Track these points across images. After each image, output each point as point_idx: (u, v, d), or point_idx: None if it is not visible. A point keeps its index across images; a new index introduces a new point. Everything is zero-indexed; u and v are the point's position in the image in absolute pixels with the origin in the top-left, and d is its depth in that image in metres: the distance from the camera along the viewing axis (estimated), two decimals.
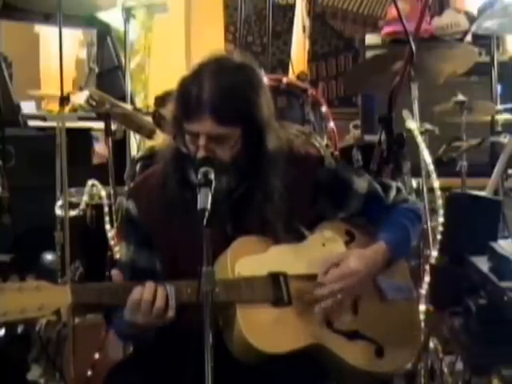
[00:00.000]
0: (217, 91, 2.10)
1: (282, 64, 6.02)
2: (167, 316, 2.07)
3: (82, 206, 3.65)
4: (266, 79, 2.27)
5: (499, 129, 4.33)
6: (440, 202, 3.13)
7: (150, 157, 3.32)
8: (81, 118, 4.61)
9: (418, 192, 3.42)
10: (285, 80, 3.79)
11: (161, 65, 5.70)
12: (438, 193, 3.16)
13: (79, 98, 3.86)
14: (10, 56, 5.21)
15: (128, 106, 3.78)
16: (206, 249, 1.93)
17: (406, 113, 3.22)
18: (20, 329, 3.61)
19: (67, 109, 3.95)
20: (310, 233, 2.31)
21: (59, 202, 3.65)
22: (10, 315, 1.96)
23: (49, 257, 4.10)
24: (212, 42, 6.05)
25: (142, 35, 5.61)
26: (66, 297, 2.03)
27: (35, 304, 1.98)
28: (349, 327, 2.24)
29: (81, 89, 5.10)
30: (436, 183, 3.18)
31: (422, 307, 2.85)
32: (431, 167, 3.18)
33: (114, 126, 3.57)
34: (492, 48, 4.69)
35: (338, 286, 2.20)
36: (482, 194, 3.07)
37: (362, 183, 2.37)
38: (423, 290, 2.94)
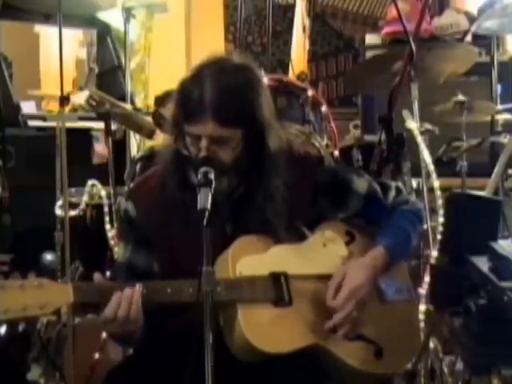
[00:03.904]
0: (218, 93, 2.10)
1: (281, 64, 6.01)
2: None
3: (82, 206, 3.65)
4: (265, 79, 2.27)
5: (499, 129, 4.33)
6: (440, 201, 3.13)
7: (150, 157, 3.33)
8: (81, 118, 4.61)
9: (418, 192, 3.42)
10: (285, 80, 3.79)
11: (161, 65, 5.69)
12: (438, 193, 3.16)
13: (79, 98, 3.87)
14: (9, 56, 5.22)
15: (128, 106, 3.77)
16: (206, 249, 1.93)
17: (405, 113, 3.22)
18: (21, 327, 3.61)
19: (67, 109, 3.95)
20: (311, 233, 2.31)
21: (59, 202, 3.65)
22: (11, 313, 1.96)
23: (49, 257, 4.10)
24: (212, 42, 6.05)
25: (142, 35, 5.60)
26: (68, 295, 2.03)
27: (37, 302, 1.98)
28: None
29: (81, 89, 5.12)
30: (436, 183, 3.18)
31: (422, 307, 2.85)
32: (431, 167, 3.18)
33: (113, 126, 3.57)
34: (492, 48, 4.68)
35: (350, 305, 2.19)
36: (482, 193, 3.06)
37: (361, 183, 2.36)
38: (423, 290, 2.95)
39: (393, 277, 2.35)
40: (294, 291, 2.19)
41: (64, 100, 3.59)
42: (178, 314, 2.16)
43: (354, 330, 2.21)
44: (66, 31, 4.46)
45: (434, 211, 3.19)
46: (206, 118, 2.09)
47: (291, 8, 6.14)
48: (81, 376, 3.33)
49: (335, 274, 2.24)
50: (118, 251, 2.36)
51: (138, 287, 2.07)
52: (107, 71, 5.24)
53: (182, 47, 6.09)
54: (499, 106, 4.38)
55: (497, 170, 3.37)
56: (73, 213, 3.61)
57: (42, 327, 3.71)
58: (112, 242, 3.37)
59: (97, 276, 2.10)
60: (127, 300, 2.05)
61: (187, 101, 2.14)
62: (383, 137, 3.00)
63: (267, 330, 2.11)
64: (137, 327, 2.09)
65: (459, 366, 3.18)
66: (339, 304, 2.19)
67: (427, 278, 2.98)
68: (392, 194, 2.40)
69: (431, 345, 3.11)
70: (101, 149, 4.52)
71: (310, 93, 3.73)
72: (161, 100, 3.37)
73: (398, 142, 3.06)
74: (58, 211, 3.65)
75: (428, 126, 3.46)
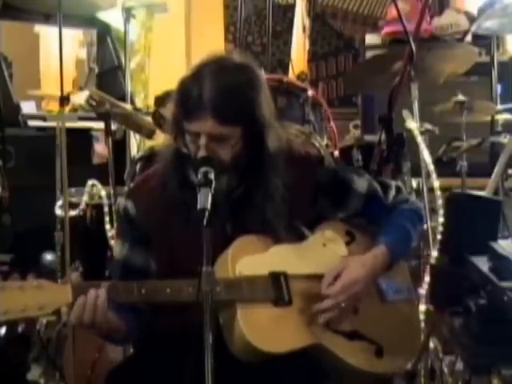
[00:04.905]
0: (218, 91, 2.10)
1: (281, 64, 6.01)
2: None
3: (82, 206, 3.65)
4: (265, 79, 2.27)
5: (499, 129, 4.33)
6: (440, 201, 3.13)
7: (149, 157, 3.33)
8: (81, 118, 4.61)
9: (418, 192, 3.42)
10: (285, 80, 3.79)
11: (161, 65, 5.70)
12: (438, 193, 3.16)
13: (79, 98, 3.86)
14: (9, 56, 5.22)
15: (128, 106, 3.77)
16: (206, 249, 1.93)
17: (405, 113, 3.22)
18: (21, 328, 3.61)
19: (67, 109, 3.95)
20: (311, 233, 2.32)
21: (59, 202, 3.65)
22: (10, 314, 1.97)
23: (49, 257, 4.10)
24: (212, 42, 6.05)
25: (142, 35, 5.61)
26: (67, 295, 2.04)
27: (36, 303, 1.99)
28: (349, 327, 2.24)
29: (81, 89, 5.12)
30: (436, 183, 3.18)
31: (422, 307, 2.85)
32: (431, 167, 3.18)
33: (113, 126, 3.57)
34: (492, 48, 4.68)
35: (342, 297, 2.20)
36: (482, 193, 3.07)
37: (361, 183, 2.37)
38: (423, 290, 2.95)
39: (393, 277, 2.35)
40: (293, 291, 2.19)
41: (64, 100, 3.60)
42: (178, 314, 2.16)
43: (337, 322, 2.21)
44: (66, 31, 4.46)
45: (434, 211, 3.20)
46: (206, 115, 2.10)
47: (291, 8, 6.14)
48: (81, 376, 3.33)
49: (335, 267, 2.24)
50: (115, 248, 2.35)
51: (103, 291, 2.06)
52: (107, 71, 5.24)
53: (182, 47, 6.09)
54: (499, 106, 4.38)
55: (497, 170, 3.37)
56: (73, 213, 3.61)
57: (41, 327, 3.71)
58: (112, 242, 3.37)
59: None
60: (91, 305, 2.04)
61: (187, 98, 2.14)
62: (383, 137, 3.00)
63: (267, 330, 2.11)
64: (107, 330, 2.10)
65: (459, 365, 3.18)
66: (331, 293, 2.20)
67: (427, 278, 2.98)
68: (392, 192, 2.40)
69: (431, 345, 3.11)
70: (101, 149, 4.52)
71: (310, 93, 3.73)
72: (161, 100, 3.36)
73: (398, 142, 3.06)
74: (58, 211, 3.65)
75: (428, 126, 3.46)
